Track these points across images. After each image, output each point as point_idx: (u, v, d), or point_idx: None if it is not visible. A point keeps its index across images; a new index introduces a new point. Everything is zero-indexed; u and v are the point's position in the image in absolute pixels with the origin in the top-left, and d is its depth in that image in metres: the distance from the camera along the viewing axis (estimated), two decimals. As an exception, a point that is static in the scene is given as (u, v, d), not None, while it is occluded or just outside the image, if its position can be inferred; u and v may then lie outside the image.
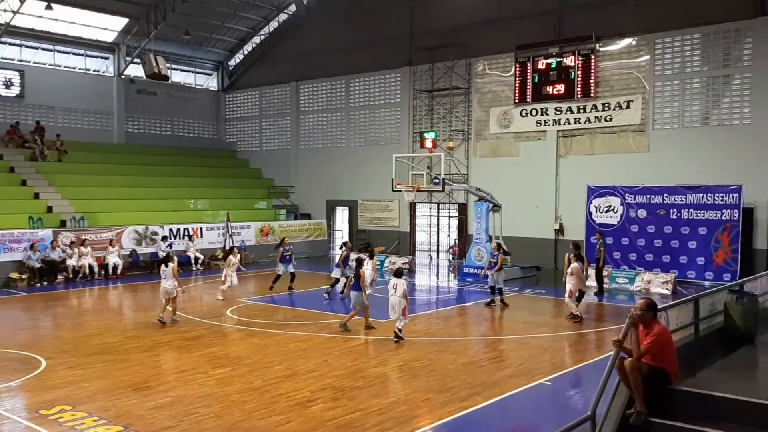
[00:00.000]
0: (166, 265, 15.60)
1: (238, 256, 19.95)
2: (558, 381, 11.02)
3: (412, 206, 29.87)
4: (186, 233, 26.73)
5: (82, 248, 22.91)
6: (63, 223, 24.42)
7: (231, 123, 38.43)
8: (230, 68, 38.08)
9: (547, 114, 26.04)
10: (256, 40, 36.22)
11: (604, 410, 6.66)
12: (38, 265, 21.79)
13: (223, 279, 18.95)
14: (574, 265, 16.07)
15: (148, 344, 13.38)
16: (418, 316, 16.41)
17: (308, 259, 29.37)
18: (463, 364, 11.98)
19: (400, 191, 25.13)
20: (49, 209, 25.22)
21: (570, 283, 16.06)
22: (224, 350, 12.89)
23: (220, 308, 17.49)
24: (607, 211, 23.13)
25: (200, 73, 37.97)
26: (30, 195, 25.98)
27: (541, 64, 25.90)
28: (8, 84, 30.03)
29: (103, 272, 23.29)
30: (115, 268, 23.50)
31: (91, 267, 22.81)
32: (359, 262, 15.30)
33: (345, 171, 32.38)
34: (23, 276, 21.49)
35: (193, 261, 25.90)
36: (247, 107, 37.65)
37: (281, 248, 20.48)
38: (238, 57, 37.55)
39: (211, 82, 38.54)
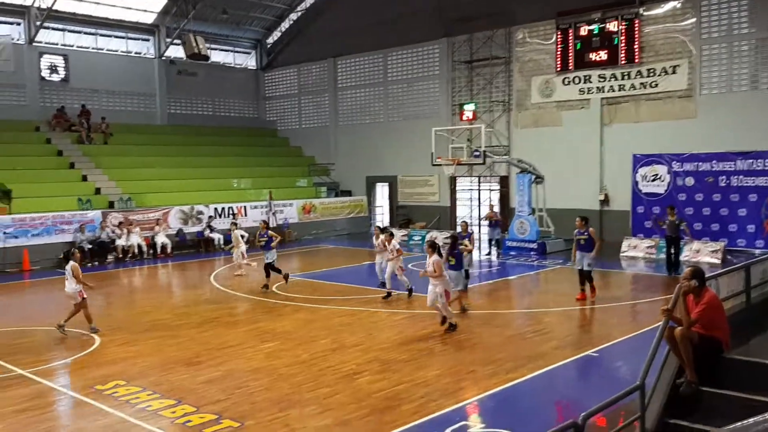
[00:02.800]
0: (67, 263, 12.92)
1: None
2: (605, 352, 10.90)
3: (453, 180, 29.70)
4: (230, 212, 27.13)
5: (131, 228, 23.45)
6: (111, 204, 24.99)
7: (270, 101, 38.62)
8: (268, 46, 38.17)
9: (590, 82, 25.49)
10: (293, 16, 36.16)
11: (653, 380, 6.58)
12: (87, 246, 22.38)
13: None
14: (435, 258, 12.36)
15: (197, 321, 13.66)
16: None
17: (349, 236, 29.57)
18: (507, 336, 11.96)
19: (440, 165, 25.01)
20: (97, 191, 25.82)
21: (437, 284, 12.30)
22: (271, 325, 13.10)
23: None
24: (653, 180, 22.62)
25: (239, 52, 38.14)
26: (78, 177, 26.63)
27: (583, 31, 25.30)
28: (53, 69, 30.65)
29: (151, 251, 23.84)
30: (163, 247, 24.02)
31: (139, 246, 23.36)
32: (454, 240, 13.99)
33: (384, 147, 32.29)
34: (75, 257, 22.09)
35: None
36: (286, 85, 37.76)
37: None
38: (276, 35, 37.59)
39: (250, 61, 38.70)
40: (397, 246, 15.79)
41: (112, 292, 18.34)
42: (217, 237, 25.61)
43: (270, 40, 38.01)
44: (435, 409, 8.33)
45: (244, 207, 27.80)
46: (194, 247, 25.32)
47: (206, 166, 31.01)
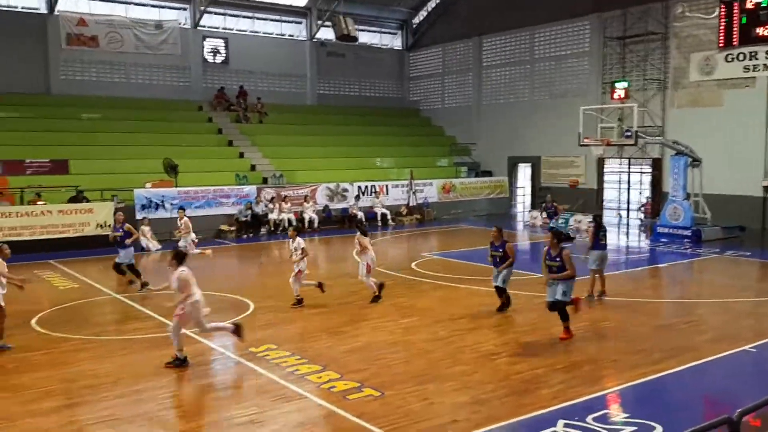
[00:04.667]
0: None
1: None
2: (764, 348, 10.17)
3: (600, 162, 28.58)
4: (373, 190, 27.83)
5: (283, 204, 24.74)
6: (265, 180, 26.47)
7: (414, 81, 38.96)
8: (414, 26, 38.45)
9: (756, 59, 23.45)
10: (439, -5, 36.18)
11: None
12: (243, 218, 23.91)
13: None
14: (179, 272, 9.37)
15: (340, 293, 14.23)
16: (605, 276, 15.84)
17: (488, 217, 29.38)
18: (655, 326, 11.47)
19: (588, 146, 24.16)
20: (253, 167, 27.43)
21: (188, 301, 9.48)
22: (410, 301, 13.40)
23: (406, 261, 18.12)
24: (829, 166, 20.55)
25: (385, 32, 38.73)
26: (236, 154, 28.41)
27: (750, 4, 23.23)
28: (215, 52, 32.71)
29: (300, 226, 25.02)
30: (311, 222, 25.14)
31: (290, 221, 24.59)
32: (598, 221, 13.68)
33: (528, 126, 31.63)
34: (232, 228, 23.71)
35: (379, 217, 27.01)
36: (430, 65, 37.90)
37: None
38: (422, 14, 37.77)
39: (396, 42, 39.20)
40: (303, 245, 13.17)
41: (265, 262, 19.52)
42: (360, 214, 26.43)
43: (416, 21, 38.26)
44: (575, 396, 8.18)
45: (386, 185, 28.42)
46: (339, 223, 26.27)
47: (351, 145, 31.95)
